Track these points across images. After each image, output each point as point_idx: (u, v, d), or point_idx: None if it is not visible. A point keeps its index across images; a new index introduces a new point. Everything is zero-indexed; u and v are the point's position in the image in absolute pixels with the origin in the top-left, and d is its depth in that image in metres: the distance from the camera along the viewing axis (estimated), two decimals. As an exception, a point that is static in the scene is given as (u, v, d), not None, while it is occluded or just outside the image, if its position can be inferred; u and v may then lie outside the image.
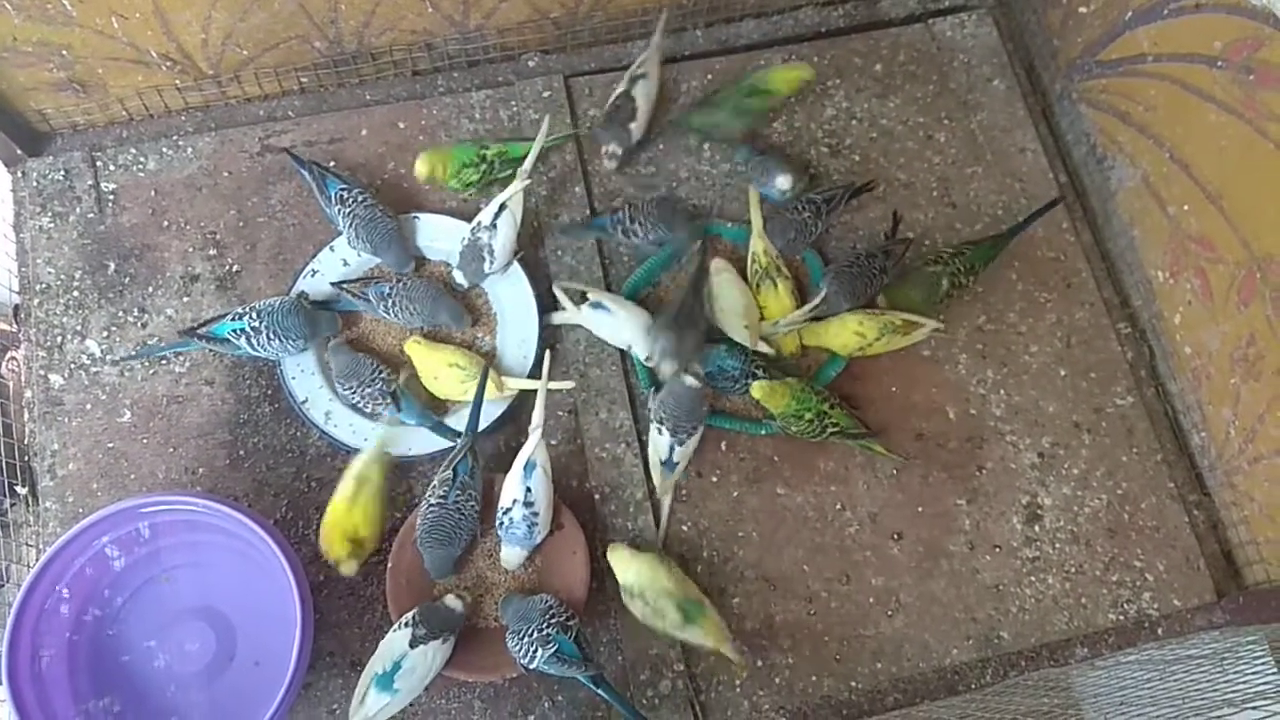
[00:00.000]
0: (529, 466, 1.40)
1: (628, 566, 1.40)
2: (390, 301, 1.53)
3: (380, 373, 1.49)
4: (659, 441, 1.48)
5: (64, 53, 1.60)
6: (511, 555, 1.44)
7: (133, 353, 1.58)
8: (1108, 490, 1.58)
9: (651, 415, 1.49)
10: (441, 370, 1.51)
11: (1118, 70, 1.67)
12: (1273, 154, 1.37)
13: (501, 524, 1.41)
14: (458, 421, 1.51)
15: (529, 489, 1.39)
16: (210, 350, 1.56)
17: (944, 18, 1.90)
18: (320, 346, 1.56)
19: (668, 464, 1.48)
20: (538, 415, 1.44)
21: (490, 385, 1.47)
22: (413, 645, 1.31)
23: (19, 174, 1.71)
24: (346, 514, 1.40)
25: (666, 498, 1.52)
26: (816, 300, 1.55)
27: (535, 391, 1.47)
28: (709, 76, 1.82)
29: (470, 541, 1.46)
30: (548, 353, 1.49)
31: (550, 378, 1.48)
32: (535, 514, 1.39)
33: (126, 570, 1.41)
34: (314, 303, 1.57)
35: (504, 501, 1.41)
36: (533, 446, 1.41)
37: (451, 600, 1.40)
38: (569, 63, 1.84)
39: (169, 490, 1.52)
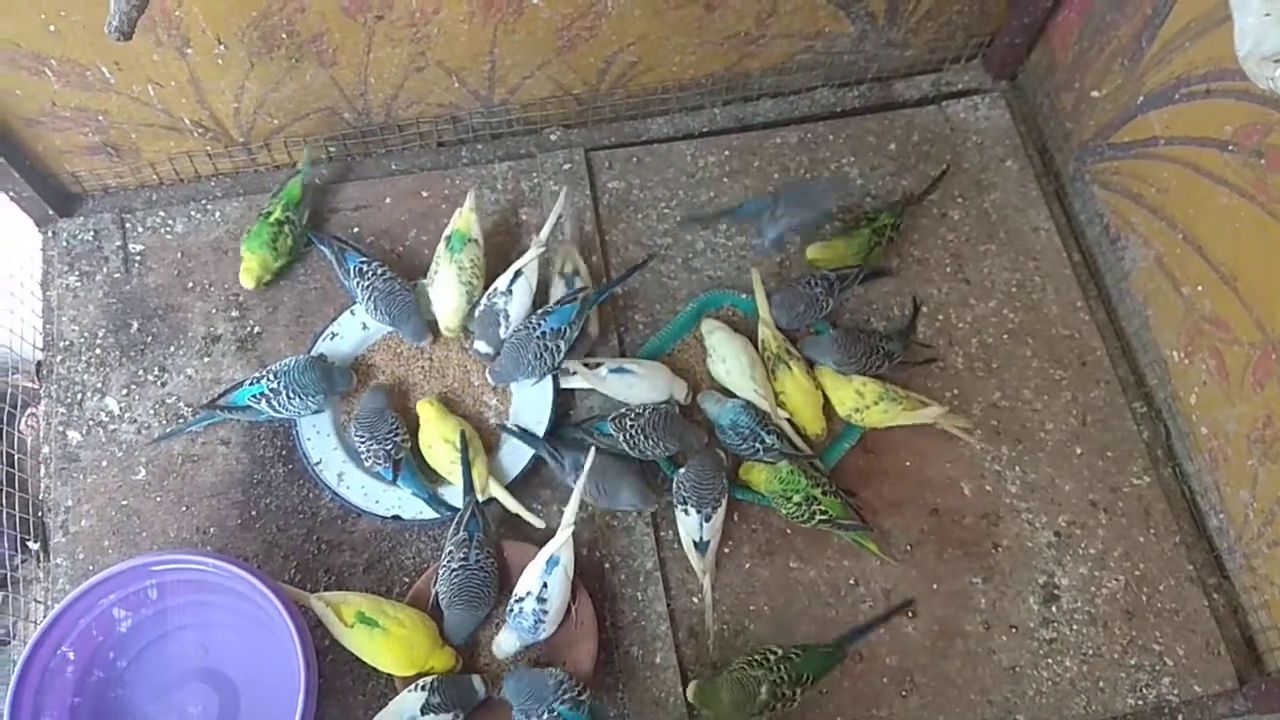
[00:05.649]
0: (551, 561, 1.38)
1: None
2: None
3: (395, 435, 1.49)
4: (688, 523, 1.47)
5: (100, 118, 1.65)
6: (507, 643, 1.40)
7: (161, 434, 1.59)
8: (1125, 571, 1.56)
9: (674, 500, 1.49)
10: (438, 443, 1.51)
11: (1130, 153, 1.70)
12: (1285, 237, 1.39)
13: (512, 610, 1.39)
14: (454, 495, 1.51)
15: (545, 584, 1.37)
16: (231, 420, 1.58)
17: (957, 100, 1.94)
18: (337, 404, 1.56)
19: (700, 545, 1.47)
20: (570, 513, 1.42)
21: (476, 476, 1.47)
22: (423, 712, 1.29)
23: (49, 234, 1.74)
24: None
25: (707, 579, 1.48)
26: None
27: (539, 449, 1.47)
28: (726, 153, 1.86)
29: (493, 606, 1.43)
30: (590, 453, 1.44)
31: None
32: (545, 611, 1.36)
33: (132, 631, 1.41)
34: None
35: (519, 589, 1.39)
36: (560, 543, 1.39)
37: (477, 681, 1.37)
38: (589, 136, 1.88)
39: (178, 549, 1.51)
